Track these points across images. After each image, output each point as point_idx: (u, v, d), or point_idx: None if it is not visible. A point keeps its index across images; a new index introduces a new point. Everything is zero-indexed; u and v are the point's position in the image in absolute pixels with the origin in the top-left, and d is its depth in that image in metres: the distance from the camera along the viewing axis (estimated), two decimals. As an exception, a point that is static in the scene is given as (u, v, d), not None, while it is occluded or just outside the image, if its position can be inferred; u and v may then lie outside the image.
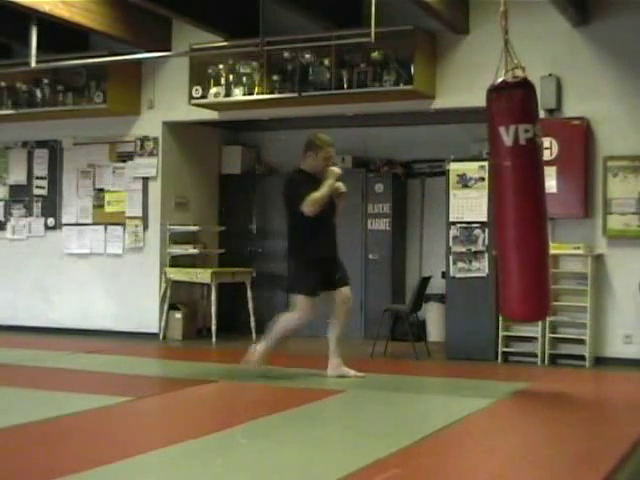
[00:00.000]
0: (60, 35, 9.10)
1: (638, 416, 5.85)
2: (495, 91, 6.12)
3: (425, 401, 6.25)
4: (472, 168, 8.27)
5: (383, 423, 5.40)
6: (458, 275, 8.32)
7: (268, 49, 8.46)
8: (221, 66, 9.11)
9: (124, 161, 10.02)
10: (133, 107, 9.86)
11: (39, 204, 10.53)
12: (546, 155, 7.98)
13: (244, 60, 8.99)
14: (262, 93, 8.88)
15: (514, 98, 6.06)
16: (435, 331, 9.39)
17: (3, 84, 10.05)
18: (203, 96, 9.17)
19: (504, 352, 8.10)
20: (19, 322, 10.43)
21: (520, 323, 7.78)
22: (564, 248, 7.96)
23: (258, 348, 6.93)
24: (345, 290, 6.85)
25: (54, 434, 4.95)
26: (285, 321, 6.87)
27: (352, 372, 6.86)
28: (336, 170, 6.76)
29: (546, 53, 8.15)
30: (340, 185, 6.78)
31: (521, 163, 6.08)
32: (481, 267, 8.20)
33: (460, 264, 8.31)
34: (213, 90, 9.11)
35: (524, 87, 6.07)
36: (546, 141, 7.96)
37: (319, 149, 6.76)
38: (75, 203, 10.31)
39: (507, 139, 5.99)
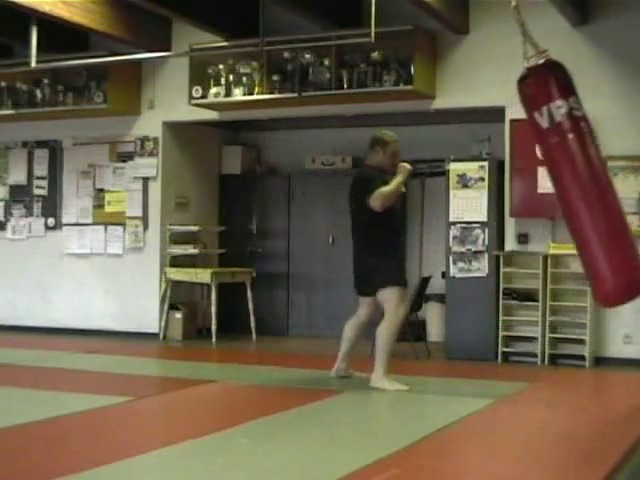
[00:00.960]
0: (60, 35, 9.09)
1: (638, 416, 5.85)
2: (521, 81, 6.10)
3: (425, 401, 6.24)
4: (472, 168, 8.28)
5: (383, 423, 5.40)
6: (458, 275, 8.33)
7: (268, 49, 8.45)
8: (221, 66, 9.11)
9: (124, 161, 10.02)
10: (133, 107, 9.86)
11: (39, 204, 10.52)
12: (546, 155, 7.99)
13: (244, 60, 8.98)
14: (262, 93, 8.87)
15: (539, 81, 6.03)
16: (435, 331, 9.39)
17: (3, 84, 10.04)
18: (203, 96, 9.17)
19: (504, 352, 8.11)
20: (19, 322, 10.43)
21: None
22: (564, 248, 7.94)
23: (377, 374, 6.46)
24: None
25: (54, 434, 4.95)
26: (386, 330, 6.46)
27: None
28: (407, 166, 6.64)
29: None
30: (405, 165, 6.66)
31: (564, 139, 5.99)
32: (481, 267, 8.21)
33: (460, 264, 8.32)
34: (213, 90, 9.11)
35: (545, 68, 6.03)
36: (546, 141, 7.97)
37: (386, 144, 6.65)
38: (75, 203, 10.31)
39: (543, 122, 5.93)
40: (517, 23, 5.93)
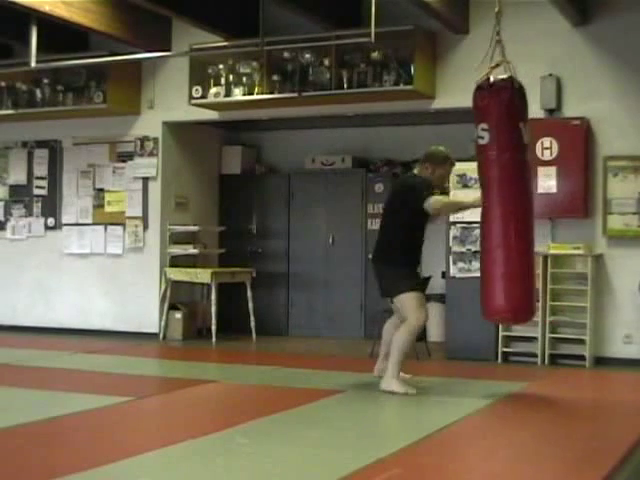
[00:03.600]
0: (60, 35, 9.10)
1: (638, 416, 5.85)
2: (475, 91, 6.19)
3: (425, 401, 6.24)
4: (472, 168, 8.21)
5: (383, 423, 5.40)
6: (458, 275, 8.33)
7: (268, 49, 8.46)
8: (221, 66, 9.11)
9: (124, 161, 10.02)
10: (133, 107, 9.86)
11: (39, 204, 10.53)
12: (546, 155, 8.01)
13: (244, 60, 8.99)
14: (262, 93, 8.88)
15: (478, 97, 6.13)
16: (435, 331, 9.38)
17: (3, 84, 10.05)
18: (203, 96, 9.17)
19: (504, 352, 8.11)
20: (19, 322, 10.43)
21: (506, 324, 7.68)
22: (564, 248, 7.97)
23: (389, 379, 6.26)
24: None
25: (54, 434, 4.95)
26: (403, 334, 6.24)
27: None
28: (480, 200, 6.19)
29: (546, 53, 8.16)
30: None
31: (487, 162, 6.12)
32: (481, 267, 8.20)
33: (460, 264, 8.32)
34: (213, 90, 9.12)
35: (489, 89, 6.09)
36: (546, 141, 8.00)
37: (438, 166, 6.41)
38: (75, 203, 10.31)
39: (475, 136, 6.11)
40: (494, 29, 5.97)
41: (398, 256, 6.32)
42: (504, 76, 6.01)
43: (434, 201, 6.20)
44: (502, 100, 6.02)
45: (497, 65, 6.03)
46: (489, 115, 6.04)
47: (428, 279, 8.72)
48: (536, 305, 6.40)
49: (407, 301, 6.24)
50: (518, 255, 6.00)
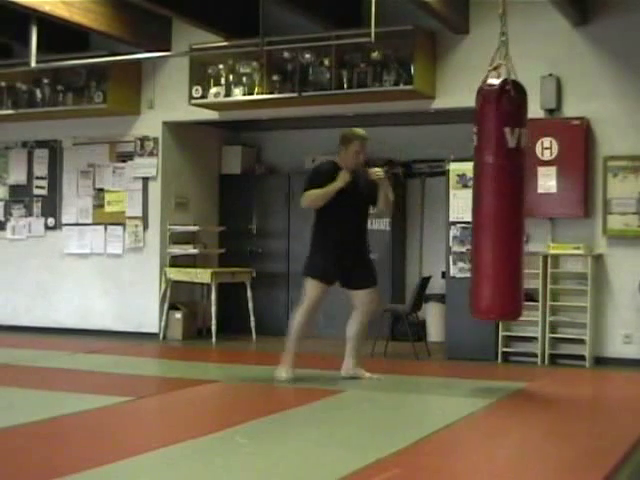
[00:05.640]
0: (60, 35, 9.10)
1: (638, 416, 5.85)
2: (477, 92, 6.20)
3: (425, 401, 6.25)
4: (472, 168, 8.25)
5: (383, 423, 5.40)
6: (458, 275, 8.33)
7: (268, 49, 8.46)
8: (221, 66, 9.11)
9: (124, 161, 10.02)
10: (133, 107, 9.85)
11: (39, 204, 10.52)
12: (546, 155, 8.01)
13: (244, 60, 8.99)
14: (262, 93, 8.88)
15: (480, 100, 6.16)
16: (435, 331, 9.39)
17: (3, 84, 10.05)
18: (203, 96, 9.17)
19: (504, 352, 8.10)
20: (19, 322, 10.43)
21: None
22: (564, 248, 7.97)
23: (283, 356, 6.77)
24: (363, 293, 6.67)
25: (54, 434, 4.95)
26: (295, 318, 6.70)
27: (367, 374, 6.75)
28: (378, 173, 6.59)
29: (546, 53, 8.16)
30: (376, 170, 6.64)
31: (484, 164, 6.19)
32: (481, 267, 8.19)
33: (460, 264, 8.32)
34: (213, 90, 9.12)
35: (489, 92, 6.10)
36: (546, 141, 8.00)
37: (348, 143, 6.59)
38: (75, 203, 10.31)
39: (475, 139, 6.12)
40: (500, 30, 5.99)
41: (314, 243, 6.69)
42: (495, 80, 6.03)
43: (302, 198, 6.59)
44: (487, 104, 6.08)
45: (495, 68, 6.04)
46: (476, 118, 6.15)
47: (428, 279, 8.74)
48: (523, 304, 6.45)
49: (307, 287, 6.62)
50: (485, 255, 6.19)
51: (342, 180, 6.50)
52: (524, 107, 6.19)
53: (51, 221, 10.44)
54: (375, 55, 8.45)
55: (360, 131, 6.70)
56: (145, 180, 9.89)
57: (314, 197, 6.54)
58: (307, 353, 8.65)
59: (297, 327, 6.67)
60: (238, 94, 9.01)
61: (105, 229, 10.10)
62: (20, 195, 10.64)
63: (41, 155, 10.53)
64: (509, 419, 5.68)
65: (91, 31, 8.85)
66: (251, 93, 8.95)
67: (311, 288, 6.59)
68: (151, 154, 9.86)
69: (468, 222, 8.21)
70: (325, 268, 6.59)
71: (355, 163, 6.60)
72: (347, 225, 6.65)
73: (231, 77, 9.07)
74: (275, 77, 8.82)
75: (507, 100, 6.02)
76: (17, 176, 10.66)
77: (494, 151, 6.06)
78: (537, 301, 7.95)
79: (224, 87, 9.08)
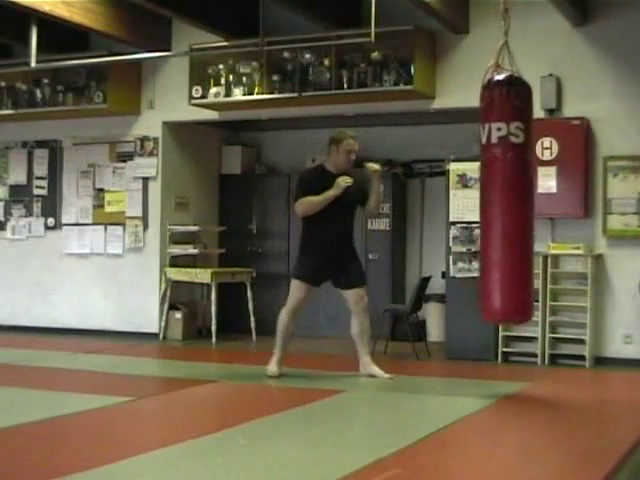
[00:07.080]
0: (60, 35, 9.11)
1: (638, 416, 5.85)
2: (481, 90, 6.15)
3: (425, 401, 6.24)
4: (472, 168, 8.25)
5: (383, 423, 5.40)
6: (458, 275, 8.33)
7: (268, 49, 8.47)
8: (221, 66, 9.11)
9: (124, 161, 10.02)
10: (133, 107, 9.86)
11: (39, 204, 10.52)
12: (546, 155, 8.01)
13: (244, 60, 8.99)
14: (262, 93, 8.88)
15: (487, 97, 6.07)
16: (435, 331, 9.39)
17: (3, 84, 10.05)
18: (203, 96, 9.17)
19: (504, 352, 8.10)
20: (19, 322, 10.43)
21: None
22: (564, 248, 7.97)
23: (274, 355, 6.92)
24: (352, 292, 6.80)
25: (54, 434, 4.95)
26: (280, 317, 6.87)
27: (381, 374, 6.76)
28: (375, 167, 6.81)
29: (546, 53, 8.16)
30: (372, 164, 6.82)
31: (495, 160, 6.06)
32: (481, 267, 8.19)
33: (460, 264, 8.32)
34: (213, 90, 9.12)
35: (497, 86, 6.04)
36: (546, 141, 8.00)
37: (339, 142, 6.73)
38: (75, 203, 10.31)
39: (483, 137, 6.02)
40: (503, 28, 5.97)
41: (301, 244, 6.85)
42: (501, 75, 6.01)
43: (296, 205, 6.70)
44: (481, 99, 6.05)
45: (497, 66, 6.02)
46: (483, 114, 6.09)
47: (428, 279, 8.74)
48: (534, 305, 6.38)
49: (291, 287, 6.82)
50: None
51: (339, 188, 6.62)
52: (530, 102, 6.16)
53: (51, 221, 10.44)
54: (375, 55, 8.45)
55: (349, 131, 6.87)
56: (145, 180, 9.89)
57: (310, 205, 6.64)
58: (307, 353, 8.66)
59: (282, 326, 6.84)
60: (238, 94, 9.01)
61: (105, 229, 10.10)
62: (20, 195, 10.64)
63: (41, 155, 10.53)
64: (509, 419, 5.68)
65: (91, 31, 8.85)
66: (251, 93, 8.95)
67: (295, 288, 6.78)
68: (151, 154, 9.86)
69: (468, 222, 8.24)
70: (311, 269, 6.74)
71: (347, 162, 6.73)
72: (335, 226, 6.77)
73: (231, 77, 9.07)
74: (275, 77, 8.83)
75: (515, 95, 5.99)
76: (17, 176, 10.66)
77: (483, 146, 6.00)
78: (537, 301, 7.94)
79: (224, 87, 9.08)
